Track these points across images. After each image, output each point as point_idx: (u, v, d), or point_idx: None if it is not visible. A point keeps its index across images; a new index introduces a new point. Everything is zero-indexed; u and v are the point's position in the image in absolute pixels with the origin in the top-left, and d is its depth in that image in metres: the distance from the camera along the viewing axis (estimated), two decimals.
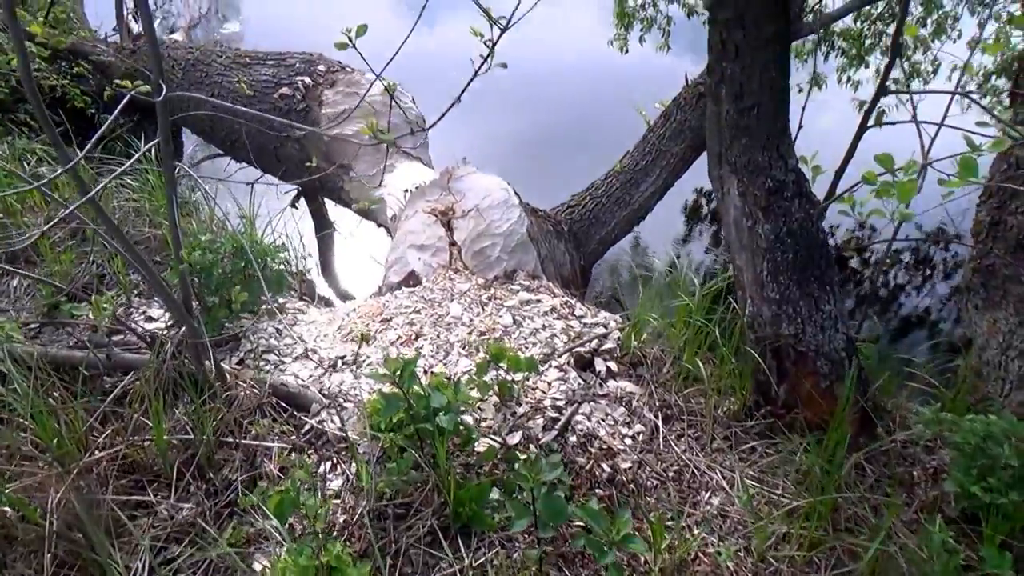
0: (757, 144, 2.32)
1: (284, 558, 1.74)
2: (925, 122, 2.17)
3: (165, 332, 2.69)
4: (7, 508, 1.74)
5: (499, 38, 1.77)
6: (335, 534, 2.03)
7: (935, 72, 7.26)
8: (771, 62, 2.19)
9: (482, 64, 1.84)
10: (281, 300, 3.29)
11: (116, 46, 5.63)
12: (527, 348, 2.89)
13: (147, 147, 2.07)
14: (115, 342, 2.86)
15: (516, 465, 1.96)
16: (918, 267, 6.46)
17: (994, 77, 7.73)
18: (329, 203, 4.92)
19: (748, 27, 2.10)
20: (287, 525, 2.05)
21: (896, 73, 7.33)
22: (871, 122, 2.29)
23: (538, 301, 3.11)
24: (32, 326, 3.03)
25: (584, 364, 2.88)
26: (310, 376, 2.78)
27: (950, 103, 2.95)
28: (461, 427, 2.22)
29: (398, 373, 2.06)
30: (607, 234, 3.83)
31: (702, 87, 3.80)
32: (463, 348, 2.84)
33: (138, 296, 3.31)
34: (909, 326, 5.02)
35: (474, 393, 2.50)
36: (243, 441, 2.31)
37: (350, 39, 1.61)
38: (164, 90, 1.68)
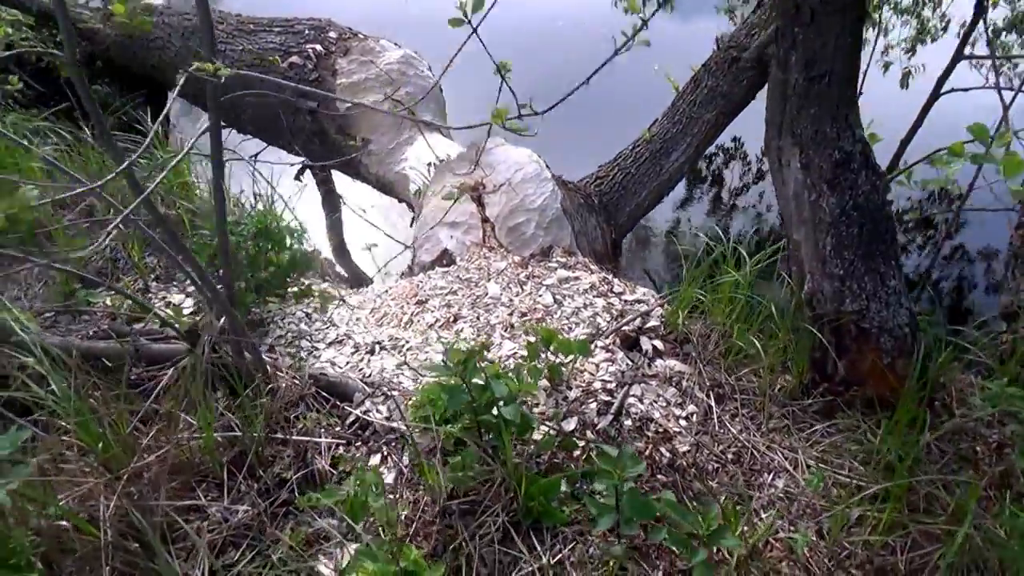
0: (826, 114, 2.20)
1: (359, 565, 1.65)
2: (1006, 88, 2.06)
3: (196, 320, 2.55)
4: (62, 521, 1.62)
5: None
6: (401, 533, 1.94)
7: (945, 29, 7.17)
8: (847, 27, 2.06)
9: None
10: (306, 283, 3.16)
11: (105, 13, 5.36)
12: (571, 328, 2.79)
13: (200, 135, 1.90)
14: (137, 331, 2.72)
15: (597, 459, 1.87)
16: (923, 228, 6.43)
17: (1004, 34, 7.63)
18: (338, 176, 4.74)
19: None
20: (345, 524, 1.96)
21: (906, 32, 7.24)
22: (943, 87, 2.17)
23: (576, 279, 3.00)
24: (47, 315, 2.89)
25: (630, 343, 2.79)
26: (347, 363, 2.67)
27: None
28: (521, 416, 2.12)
29: (461, 365, 1.96)
30: (637, 206, 3.71)
31: (734, 51, 3.67)
32: (505, 330, 2.74)
33: (156, 281, 3.16)
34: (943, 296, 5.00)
35: (526, 378, 2.40)
36: (293, 437, 2.20)
37: (465, 14, 1.46)
38: (219, 72, 1.53)
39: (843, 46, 2.09)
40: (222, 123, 4.41)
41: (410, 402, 2.40)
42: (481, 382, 2.00)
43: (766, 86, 2.44)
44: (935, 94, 2.18)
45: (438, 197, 3.20)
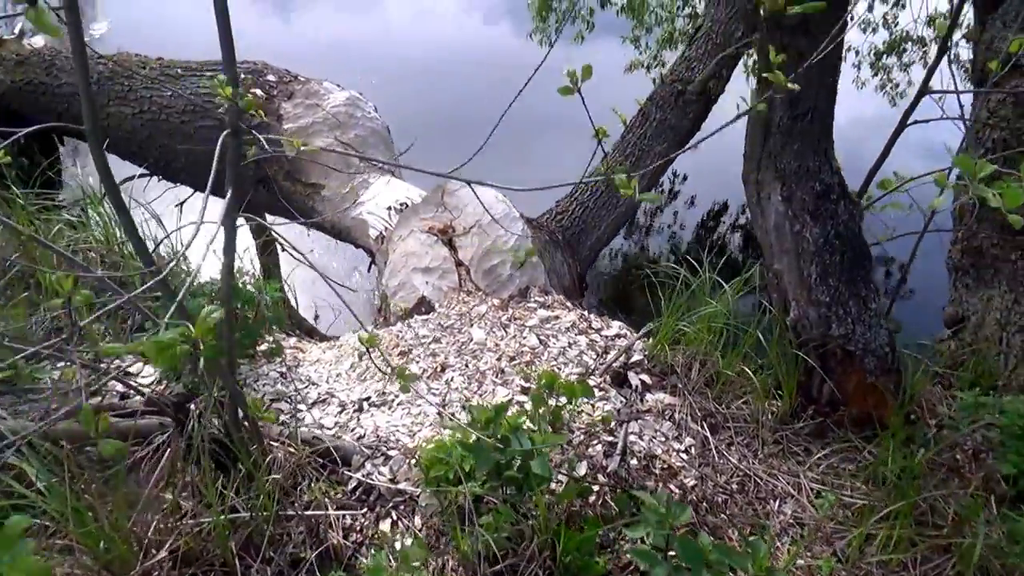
0: (808, 148, 2.30)
1: None
2: (957, 119, 2.21)
3: (180, 392, 2.38)
4: None
5: None
6: None
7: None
8: (828, 67, 2.16)
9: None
10: (272, 340, 3.00)
11: None
12: (560, 368, 2.77)
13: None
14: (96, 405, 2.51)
15: (642, 509, 1.85)
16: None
17: (884, 56, 8.29)
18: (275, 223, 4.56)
19: (812, 32, 2.06)
20: None
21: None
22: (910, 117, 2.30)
23: (557, 317, 2.99)
24: None
25: (619, 380, 2.80)
26: (335, 423, 2.55)
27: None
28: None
29: (488, 422, 1.90)
30: (597, 239, 3.75)
31: (678, 85, 3.79)
32: (496, 376, 2.68)
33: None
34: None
35: (529, 424, 2.36)
36: (302, 513, 2.07)
37: (574, 83, 1.41)
38: (238, 136, 1.43)
39: (826, 84, 2.19)
40: (149, 171, 4.17)
41: (413, 461, 2.32)
42: (510, 439, 1.95)
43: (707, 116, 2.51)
44: (902, 125, 2.30)
45: (406, 242, 3.12)
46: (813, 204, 2.37)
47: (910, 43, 8.13)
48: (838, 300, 2.45)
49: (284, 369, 2.82)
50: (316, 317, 4.23)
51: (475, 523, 2.01)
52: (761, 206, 2.53)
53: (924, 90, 2.25)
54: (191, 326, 1.56)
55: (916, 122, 2.38)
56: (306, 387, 2.73)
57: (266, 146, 1.48)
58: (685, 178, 7.45)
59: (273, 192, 3.80)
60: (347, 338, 3.02)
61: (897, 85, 8.26)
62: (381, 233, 3.36)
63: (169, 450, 2.24)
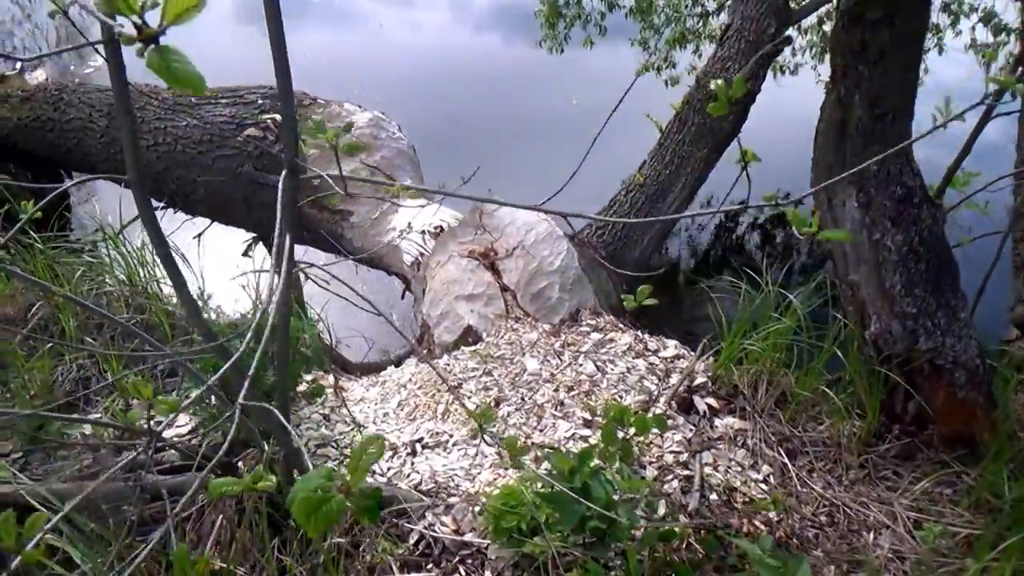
0: (885, 148, 2.12)
1: None
2: None
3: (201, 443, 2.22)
4: None
5: None
6: None
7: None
8: (911, 61, 1.99)
9: None
10: (309, 378, 2.83)
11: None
12: (621, 396, 2.59)
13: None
14: (131, 462, 2.35)
15: (757, 559, 1.67)
16: None
17: None
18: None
19: (895, 25, 1.89)
20: None
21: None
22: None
23: (612, 341, 2.81)
24: (15, 456, 2.47)
25: (685, 405, 2.62)
26: (389, 468, 2.38)
27: None
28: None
29: (572, 473, 1.73)
30: (641, 253, 3.58)
31: None
32: (555, 408, 2.51)
33: (135, 399, 2.76)
34: None
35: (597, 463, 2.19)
36: None
37: (728, 99, 1.23)
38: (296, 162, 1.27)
39: (907, 81, 2.02)
40: (166, 205, 4.01)
41: (476, 509, 2.15)
42: (591, 486, 1.77)
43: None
44: (984, 120, 2.13)
45: (445, 268, 2.96)
46: (894, 210, 2.19)
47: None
48: (925, 311, 2.27)
49: (327, 411, 2.66)
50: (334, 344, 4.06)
51: None
52: (833, 214, 2.36)
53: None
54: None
55: (999, 115, 2.21)
56: (352, 430, 2.56)
57: (329, 181, 1.31)
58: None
59: (300, 220, 3.64)
60: (391, 373, 2.86)
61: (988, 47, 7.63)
62: (416, 259, 3.19)
63: (215, 511, 2.09)
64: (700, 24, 8.11)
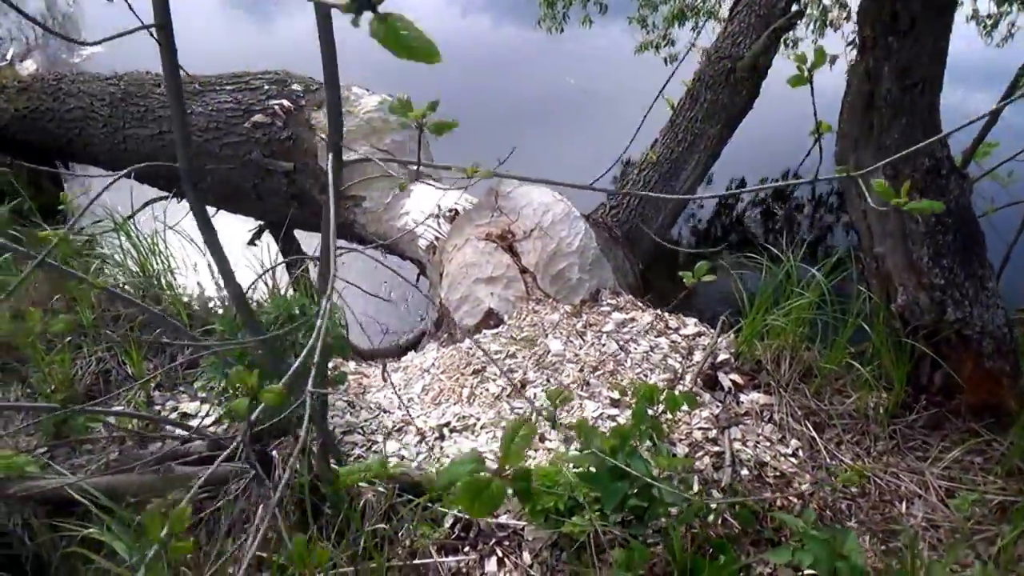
0: (918, 122, 2.11)
1: None
2: None
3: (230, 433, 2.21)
4: None
5: None
6: None
7: None
8: (942, 31, 1.97)
9: None
10: (330, 365, 2.81)
11: None
12: (646, 375, 2.59)
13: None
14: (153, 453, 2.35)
15: (802, 529, 1.67)
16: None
17: None
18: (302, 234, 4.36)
19: None
20: None
21: None
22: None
23: (633, 320, 2.80)
24: (40, 451, 2.45)
25: (710, 382, 2.62)
26: (418, 453, 2.37)
27: None
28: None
29: (615, 451, 1.72)
30: (657, 231, 3.56)
31: (727, 62, 3.59)
32: (581, 389, 2.50)
33: (158, 390, 2.75)
34: None
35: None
36: (413, 562, 1.89)
37: (806, 69, 1.21)
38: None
39: (938, 51, 2.00)
40: (172, 195, 3.97)
41: (510, 492, 2.14)
42: (631, 465, 1.77)
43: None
44: (1012, 90, 2.11)
45: (463, 252, 2.93)
46: (923, 181, 2.18)
47: None
48: (953, 282, 2.26)
49: (351, 398, 2.65)
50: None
51: (596, 558, 1.84)
52: (858, 187, 2.34)
53: None
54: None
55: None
56: (377, 416, 2.55)
57: (380, 164, 1.29)
58: None
59: (308, 207, 3.61)
60: (412, 358, 2.84)
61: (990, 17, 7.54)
62: (432, 243, 3.17)
63: (249, 500, 2.08)
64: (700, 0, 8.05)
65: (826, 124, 1.16)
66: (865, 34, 2.04)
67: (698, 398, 2.49)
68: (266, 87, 3.67)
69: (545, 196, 3.00)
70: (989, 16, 6.62)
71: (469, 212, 3.03)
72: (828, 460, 2.37)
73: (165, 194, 4.06)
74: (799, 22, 3.60)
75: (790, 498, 2.20)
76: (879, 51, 2.01)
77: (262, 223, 4.46)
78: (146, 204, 4.10)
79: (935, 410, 2.44)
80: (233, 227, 4.32)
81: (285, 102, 3.56)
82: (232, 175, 3.68)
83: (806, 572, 1.85)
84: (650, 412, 2.29)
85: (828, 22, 6.73)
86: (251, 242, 4.60)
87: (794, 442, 2.42)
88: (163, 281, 3.00)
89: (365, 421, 2.53)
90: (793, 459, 2.36)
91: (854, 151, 2.28)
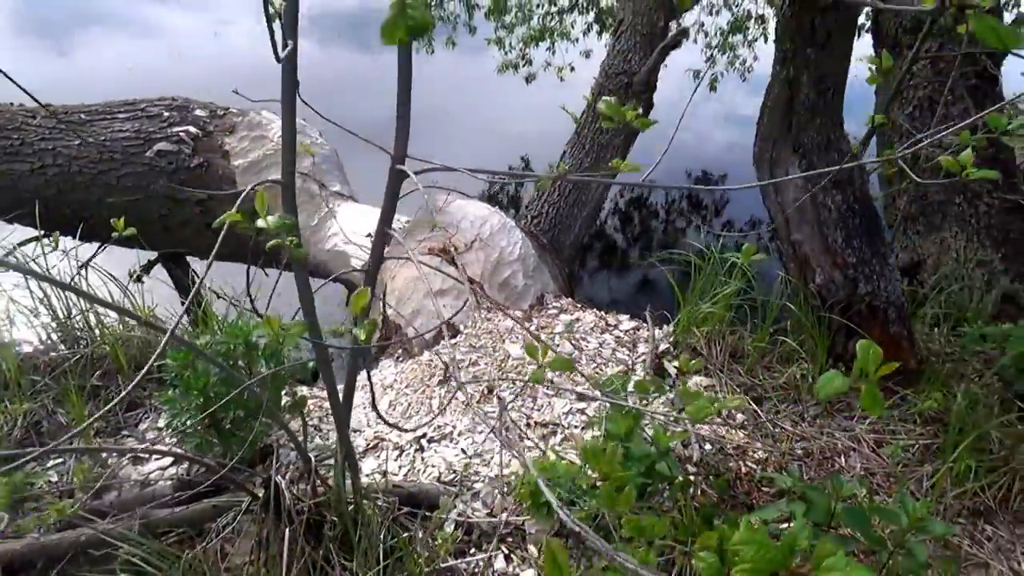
0: (831, 122, 2.42)
1: None
2: None
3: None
4: None
5: None
6: None
7: None
8: (849, 43, 2.29)
9: None
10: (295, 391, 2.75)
11: None
12: (602, 369, 2.75)
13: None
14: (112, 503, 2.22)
15: (798, 487, 1.87)
16: (696, 210, 7.26)
17: (729, 36, 8.82)
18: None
19: (841, 11, 2.18)
20: None
21: None
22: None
23: (578, 320, 2.97)
24: None
25: (659, 370, 2.82)
26: (400, 466, 2.39)
27: None
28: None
29: (628, 434, 1.86)
30: (575, 237, 3.75)
31: (624, 77, 3.86)
32: (547, 388, 2.62)
33: (98, 436, 2.56)
34: None
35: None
36: (448, 564, 1.92)
37: None
38: None
39: (846, 61, 2.32)
40: (62, 232, 3.70)
41: (504, 490, 2.22)
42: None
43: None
44: (896, 93, 2.48)
45: (405, 268, 2.97)
46: (834, 174, 2.50)
47: (752, 21, 8.77)
48: (863, 260, 2.60)
49: (314, 421, 2.61)
50: None
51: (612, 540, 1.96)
52: (780, 183, 2.64)
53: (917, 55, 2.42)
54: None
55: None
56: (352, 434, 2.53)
57: (467, 172, 1.37)
58: None
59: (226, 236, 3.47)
60: (363, 377, 2.83)
61: (745, 61, 8.88)
62: (365, 262, 3.17)
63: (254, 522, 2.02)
64: (555, 22, 8.49)
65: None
66: (785, 47, 2.33)
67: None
68: (166, 114, 3.51)
69: (480, 209, 3.11)
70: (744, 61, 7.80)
71: (409, 228, 3.08)
72: (772, 428, 2.63)
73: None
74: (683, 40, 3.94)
75: (751, 464, 2.43)
76: (799, 61, 2.30)
77: (153, 257, 4.23)
78: (23, 243, 3.78)
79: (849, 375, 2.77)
80: (123, 260, 4.06)
81: (191, 128, 3.42)
82: (135, 207, 3.48)
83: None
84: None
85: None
86: (137, 279, 4.34)
87: (740, 416, 2.67)
88: (88, 321, 2.80)
89: (336, 443, 2.50)
90: (742, 432, 2.60)
91: (772, 149, 2.57)
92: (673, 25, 4.09)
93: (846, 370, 2.71)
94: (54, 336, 2.84)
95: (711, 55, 8.43)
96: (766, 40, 8.68)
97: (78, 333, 2.79)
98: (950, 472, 2.34)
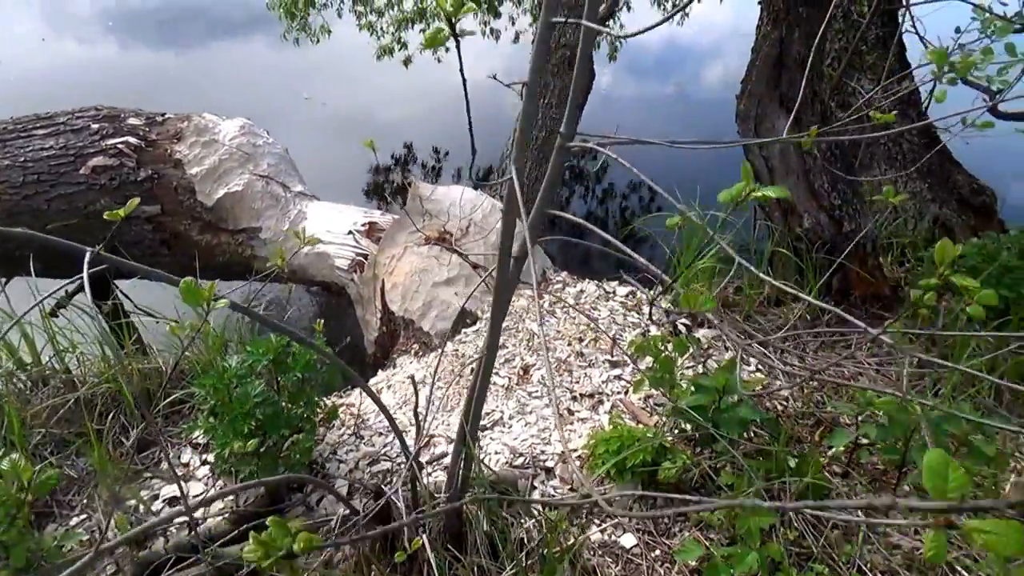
0: (816, 75, 2.59)
1: None
2: None
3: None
4: None
5: None
6: None
7: None
8: (835, 2, 2.45)
9: None
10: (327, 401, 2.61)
11: None
12: (621, 334, 2.82)
13: None
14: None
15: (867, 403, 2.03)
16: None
17: None
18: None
19: None
20: None
21: None
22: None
23: (582, 291, 3.02)
24: None
25: (674, 328, 2.93)
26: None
27: None
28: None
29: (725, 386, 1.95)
30: (542, 213, 3.75)
31: (566, 50, 3.90)
32: (579, 360, 2.66)
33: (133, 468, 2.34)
34: None
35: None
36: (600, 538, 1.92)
37: None
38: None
39: (830, 18, 2.49)
40: None
41: (577, 464, 2.26)
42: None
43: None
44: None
45: (403, 261, 2.89)
46: (819, 123, 2.68)
47: None
48: (846, 200, 2.82)
49: (351, 428, 2.51)
50: None
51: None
52: (759, 135, 2.80)
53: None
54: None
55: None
56: (393, 438, 2.46)
57: (602, 147, 1.36)
58: None
59: (184, 251, 3.21)
60: (387, 376, 2.75)
61: None
62: (355, 260, 3.05)
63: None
64: (421, 4, 8.41)
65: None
66: (777, 7, 2.46)
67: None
68: (94, 126, 3.17)
69: (467, 193, 3.07)
70: None
71: (400, 220, 2.98)
72: (783, 367, 2.81)
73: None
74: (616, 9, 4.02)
75: (779, 403, 2.59)
76: (792, 19, 2.45)
77: (74, 281, 3.83)
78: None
79: (841, 307, 3.01)
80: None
81: (130, 139, 3.12)
82: (72, 232, 3.14)
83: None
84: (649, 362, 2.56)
85: None
86: (53, 313, 3.92)
87: (752, 360, 2.83)
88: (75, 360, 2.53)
89: (385, 447, 2.43)
90: (759, 374, 2.76)
91: (757, 106, 2.72)
92: None
93: (834, 304, 2.95)
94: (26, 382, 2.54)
95: None
96: None
97: (62, 377, 2.51)
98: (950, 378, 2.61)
